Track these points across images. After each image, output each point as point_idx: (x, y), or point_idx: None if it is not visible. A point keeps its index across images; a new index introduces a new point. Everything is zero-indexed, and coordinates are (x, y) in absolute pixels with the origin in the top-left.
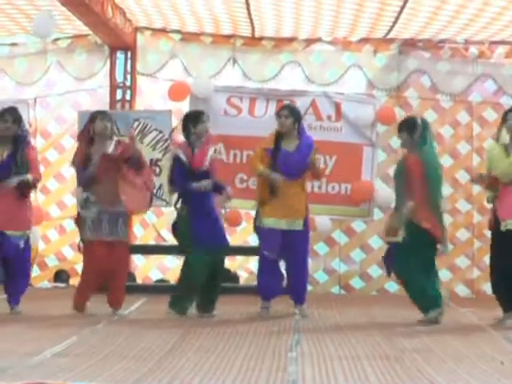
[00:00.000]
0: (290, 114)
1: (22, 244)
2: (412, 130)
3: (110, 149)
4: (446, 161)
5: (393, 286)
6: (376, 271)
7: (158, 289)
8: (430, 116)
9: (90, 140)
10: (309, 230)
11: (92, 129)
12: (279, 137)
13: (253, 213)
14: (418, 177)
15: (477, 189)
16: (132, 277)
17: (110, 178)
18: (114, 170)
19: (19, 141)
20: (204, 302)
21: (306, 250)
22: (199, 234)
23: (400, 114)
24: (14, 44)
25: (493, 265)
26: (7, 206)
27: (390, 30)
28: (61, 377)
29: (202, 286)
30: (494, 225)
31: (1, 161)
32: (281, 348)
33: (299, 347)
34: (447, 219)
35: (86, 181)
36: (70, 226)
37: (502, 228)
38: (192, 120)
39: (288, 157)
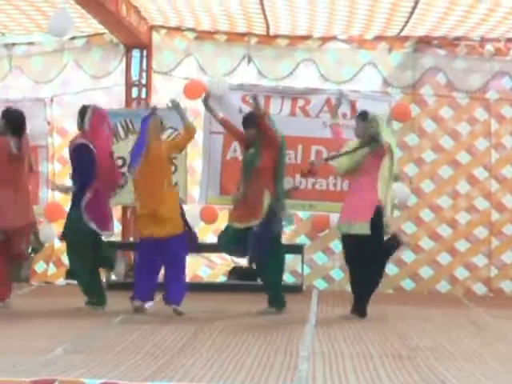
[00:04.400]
0: None
1: None
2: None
3: None
4: (463, 158)
5: (409, 284)
6: (392, 269)
7: None
8: (446, 113)
9: None
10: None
11: None
12: None
13: None
14: None
15: (495, 186)
16: None
17: None
18: None
19: None
20: None
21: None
22: None
23: (415, 112)
24: (30, 43)
25: None
26: None
27: (403, 28)
28: (72, 373)
29: None
30: None
31: None
32: (293, 346)
33: (311, 345)
34: (464, 217)
35: None
36: None
37: None
38: None
39: None
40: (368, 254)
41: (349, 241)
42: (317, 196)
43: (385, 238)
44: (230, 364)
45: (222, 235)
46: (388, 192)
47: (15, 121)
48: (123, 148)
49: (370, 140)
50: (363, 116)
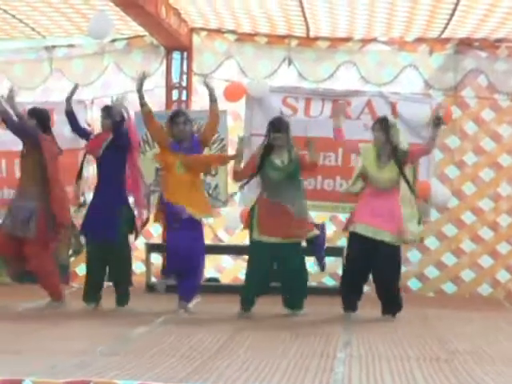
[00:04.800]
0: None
1: None
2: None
3: None
4: (504, 160)
5: (450, 287)
6: (433, 272)
7: (211, 288)
8: (487, 115)
9: None
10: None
11: None
12: None
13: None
14: None
15: None
16: None
17: None
18: None
19: None
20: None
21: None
22: None
23: (457, 114)
24: (71, 45)
25: None
26: None
27: (444, 30)
28: (107, 375)
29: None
30: None
31: None
32: (330, 348)
33: (349, 348)
34: (506, 220)
35: None
36: None
37: None
38: None
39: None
40: (389, 263)
41: (369, 245)
42: (340, 197)
43: None
44: (265, 366)
45: None
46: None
47: (46, 119)
48: None
49: (396, 151)
50: (383, 123)
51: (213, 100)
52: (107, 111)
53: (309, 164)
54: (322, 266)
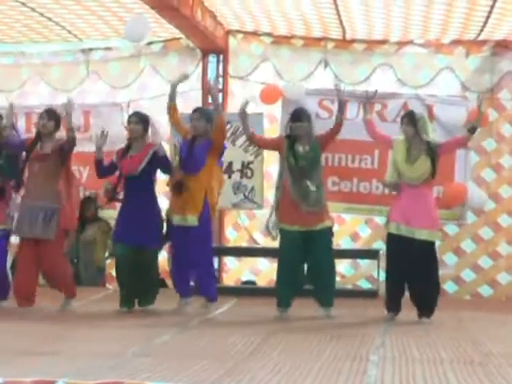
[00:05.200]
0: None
1: None
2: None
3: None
4: None
5: (487, 290)
6: (469, 275)
7: (247, 291)
8: None
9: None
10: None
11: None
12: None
13: (344, 216)
14: None
15: None
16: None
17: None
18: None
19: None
20: None
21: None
22: None
23: (493, 116)
24: (107, 48)
25: None
26: None
27: (481, 32)
28: (139, 377)
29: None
30: None
31: None
32: (363, 351)
33: (382, 350)
34: None
35: None
36: None
37: None
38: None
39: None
40: (424, 261)
41: (404, 243)
42: (375, 200)
43: None
44: (297, 369)
45: None
46: None
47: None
48: None
49: (429, 144)
50: (411, 116)
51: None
52: (200, 113)
53: (331, 131)
54: None
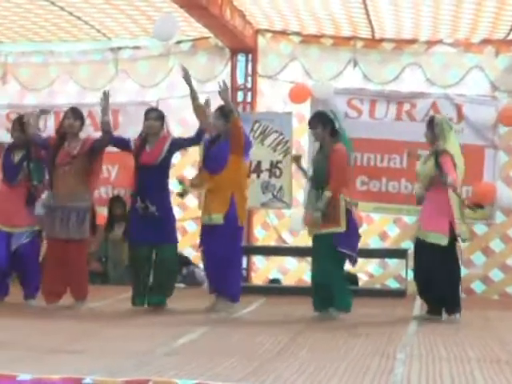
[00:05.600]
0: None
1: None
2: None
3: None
4: None
5: None
6: (498, 275)
7: (276, 290)
8: None
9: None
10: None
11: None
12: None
13: (373, 215)
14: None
15: None
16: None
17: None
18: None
19: (31, 146)
20: None
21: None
22: None
23: None
24: (136, 47)
25: None
26: (16, 204)
27: (510, 31)
28: (166, 374)
29: None
30: None
31: (15, 163)
32: (390, 349)
33: (409, 349)
34: None
35: None
36: (191, 226)
37: None
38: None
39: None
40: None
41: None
42: (404, 199)
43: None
44: (324, 367)
45: None
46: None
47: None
48: None
49: (437, 147)
50: (429, 121)
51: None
52: (221, 111)
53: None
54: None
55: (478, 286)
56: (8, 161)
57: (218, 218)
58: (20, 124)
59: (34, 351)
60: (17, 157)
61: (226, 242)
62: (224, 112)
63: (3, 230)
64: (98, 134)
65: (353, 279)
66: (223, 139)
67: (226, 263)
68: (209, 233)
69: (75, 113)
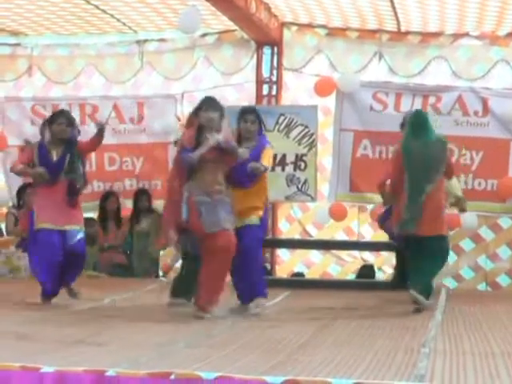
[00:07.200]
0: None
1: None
2: None
3: None
4: None
5: None
6: None
7: (300, 283)
8: None
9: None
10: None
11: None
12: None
13: None
14: None
15: None
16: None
17: None
18: None
19: (71, 143)
20: None
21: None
22: None
23: None
24: (162, 40)
25: None
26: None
27: None
28: (189, 367)
29: None
30: None
31: (55, 161)
32: (414, 343)
33: (433, 343)
34: None
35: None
36: None
37: None
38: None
39: None
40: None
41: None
42: None
43: None
44: (348, 360)
45: None
46: None
47: None
48: None
49: None
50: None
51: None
52: (255, 115)
53: None
54: None
55: (503, 280)
56: (46, 159)
57: (255, 220)
58: (68, 118)
59: (57, 344)
60: (55, 154)
61: (259, 242)
62: (258, 114)
63: (55, 229)
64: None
65: (369, 271)
66: (254, 144)
67: (255, 263)
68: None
69: (68, 118)
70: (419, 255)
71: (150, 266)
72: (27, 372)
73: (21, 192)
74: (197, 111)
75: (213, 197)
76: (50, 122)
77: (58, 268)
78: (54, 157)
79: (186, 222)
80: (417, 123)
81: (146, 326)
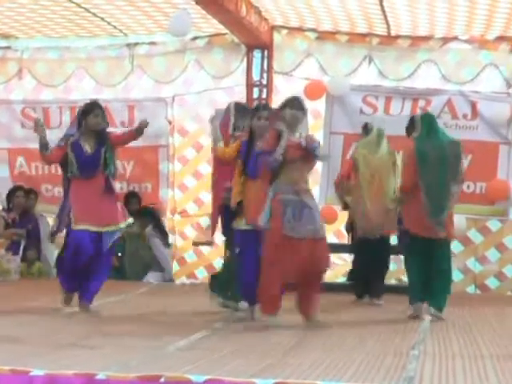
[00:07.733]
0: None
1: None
2: None
3: None
4: None
5: None
6: None
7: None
8: None
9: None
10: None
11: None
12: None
13: None
14: None
15: None
16: None
17: None
18: None
19: (104, 135)
20: None
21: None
22: None
23: None
24: (152, 43)
25: None
26: (100, 199)
27: None
28: (179, 369)
29: None
30: None
31: (90, 154)
32: (404, 346)
33: (423, 346)
34: None
35: None
36: (206, 222)
37: None
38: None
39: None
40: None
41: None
42: None
43: None
44: (338, 363)
45: None
46: None
47: None
48: None
49: None
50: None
51: None
52: (269, 111)
53: None
54: None
55: (492, 282)
56: (80, 153)
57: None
58: (102, 109)
59: (47, 347)
60: (89, 146)
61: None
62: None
63: (91, 230)
64: (113, 131)
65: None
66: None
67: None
68: (249, 238)
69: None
70: (428, 261)
71: (141, 269)
72: (17, 375)
73: (10, 195)
74: (282, 108)
75: (300, 195)
76: (84, 113)
77: (81, 270)
78: (89, 150)
79: (265, 227)
80: (430, 125)
81: (136, 329)
